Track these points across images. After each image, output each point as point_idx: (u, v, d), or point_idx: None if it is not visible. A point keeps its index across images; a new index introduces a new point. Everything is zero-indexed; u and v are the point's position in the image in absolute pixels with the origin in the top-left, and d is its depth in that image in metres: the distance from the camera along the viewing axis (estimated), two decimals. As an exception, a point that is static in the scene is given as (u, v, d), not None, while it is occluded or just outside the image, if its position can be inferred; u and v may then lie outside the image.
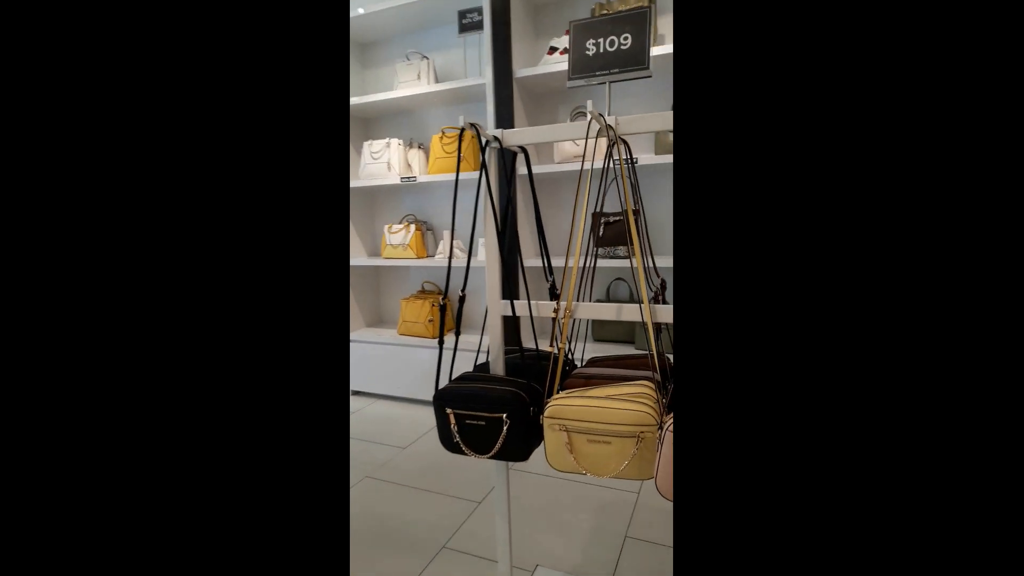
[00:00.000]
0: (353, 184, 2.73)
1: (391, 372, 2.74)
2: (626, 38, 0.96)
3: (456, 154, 2.48)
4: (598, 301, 2.49)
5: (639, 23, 0.94)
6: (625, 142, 1.05)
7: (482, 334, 1.11)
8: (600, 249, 2.23)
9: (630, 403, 0.91)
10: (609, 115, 0.95)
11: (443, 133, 2.53)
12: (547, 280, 1.16)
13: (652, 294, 1.14)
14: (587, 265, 1.10)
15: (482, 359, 1.21)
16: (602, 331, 2.51)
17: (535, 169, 2.26)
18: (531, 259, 2.41)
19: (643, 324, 0.96)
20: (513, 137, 1.05)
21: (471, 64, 2.70)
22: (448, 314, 2.78)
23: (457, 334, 1.05)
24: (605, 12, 0.96)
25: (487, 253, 1.10)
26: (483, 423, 0.97)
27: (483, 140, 1.01)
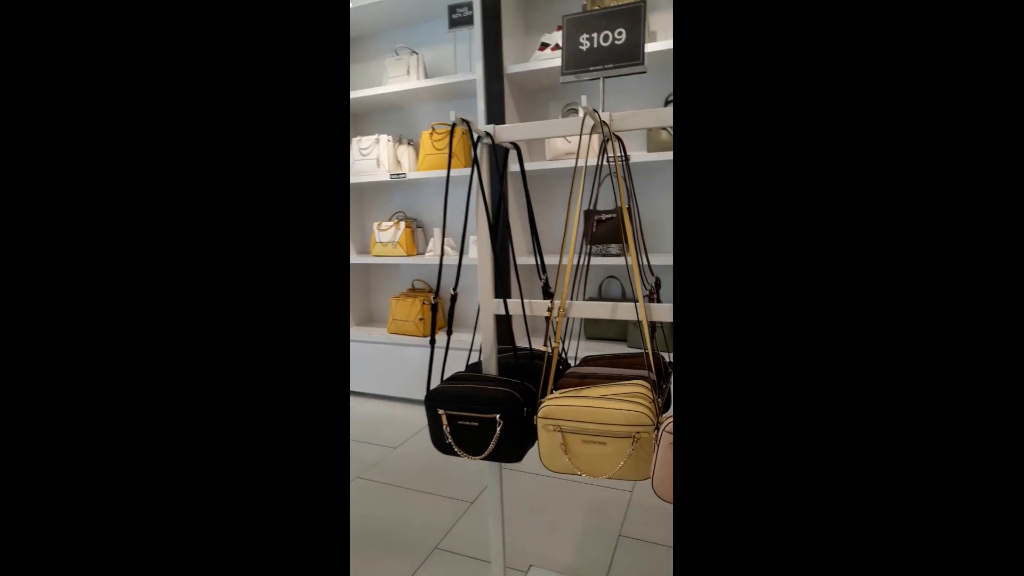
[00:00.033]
0: (342, 181, 2.70)
1: (381, 371, 2.72)
2: (620, 33, 0.94)
3: (446, 150, 2.46)
4: (590, 299, 2.48)
5: (634, 18, 0.92)
6: (619, 139, 1.04)
7: (474, 332, 1.09)
8: (592, 247, 2.22)
9: (625, 403, 0.90)
10: (603, 111, 0.94)
11: (433, 129, 2.50)
12: (540, 278, 1.15)
13: (647, 292, 1.13)
14: (580, 263, 1.09)
15: (474, 358, 1.19)
16: (594, 329, 2.50)
17: (526, 167, 2.24)
18: (522, 256, 2.39)
19: (638, 323, 0.95)
20: (505, 133, 1.03)
21: (461, 59, 2.67)
22: (439, 313, 2.76)
23: (449, 333, 1.03)
24: (596, 7, 0.94)
25: (479, 251, 1.08)
26: (476, 424, 0.95)
27: (475, 136, 0.99)
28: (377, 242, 2.71)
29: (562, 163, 2.22)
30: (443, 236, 1.05)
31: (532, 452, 1.03)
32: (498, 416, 0.93)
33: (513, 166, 2.19)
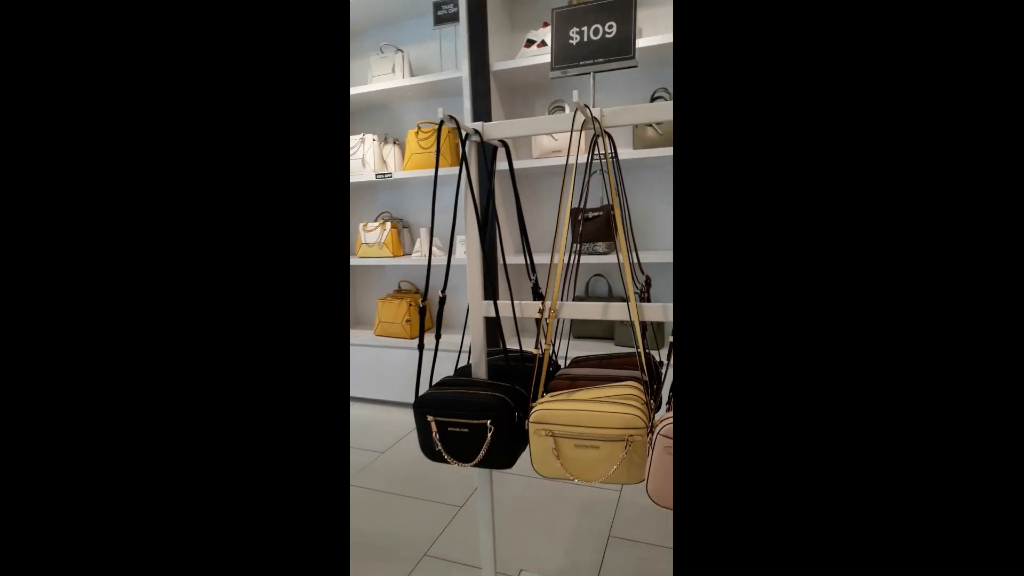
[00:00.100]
0: (326, 180, 2.65)
1: (368, 374, 2.68)
2: (611, 26, 0.92)
3: (432, 149, 2.43)
4: (577, 298, 2.47)
5: (624, 10, 0.90)
6: (609, 135, 1.02)
7: (463, 334, 1.06)
8: (578, 245, 2.20)
9: (618, 406, 0.88)
10: (594, 107, 0.92)
11: (419, 128, 2.46)
12: (530, 279, 1.12)
13: (637, 291, 1.11)
14: (570, 262, 1.07)
15: (463, 359, 1.16)
16: (582, 328, 2.49)
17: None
18: (510, 256, 2.37)
19: (630, 323, 0.93)
20: (494, 130, 1.01)
21: (447, 57, 2.64)
22: (427, 315, 2.73)
23: (437, 337, 1.01)
24: (584, 1, 0.92)
25: (468, 251, 1.06)
26: (466, 430, 0.92)
27: (463, 133, 0.97)
28: (363, 243, 2.67)
29: (549, 161, 2.20)
30: (431, 237, 1.02)
31: (521, 455, 1.00)
32: (489, 422, 0.90)
33: (500, 164, 2.17)
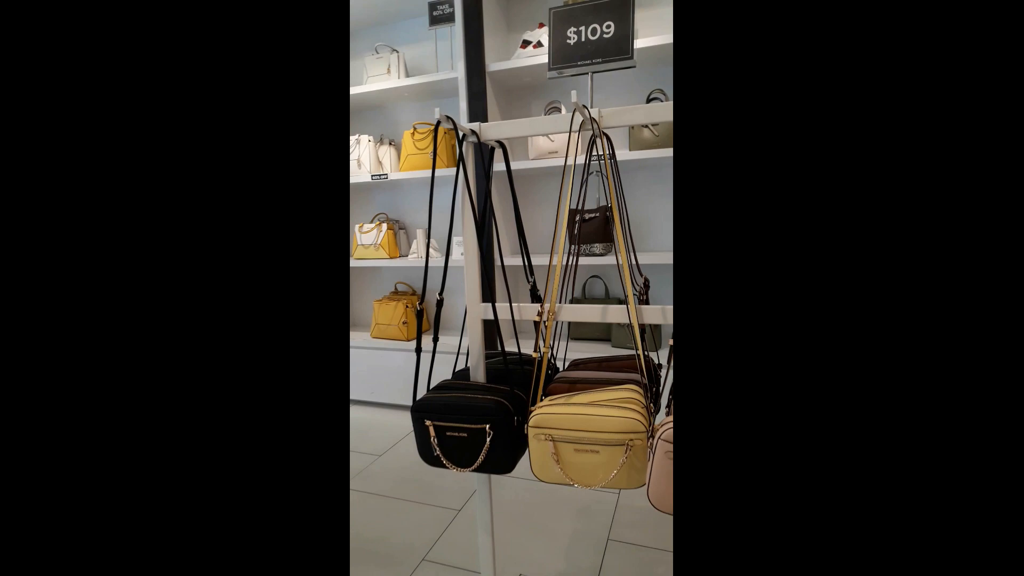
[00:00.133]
0: (321, 182, 2.63)
1: (365, 377, 2.66)
2: (609, 26, 0.91)
3: (428, 150, 2.41)
4: (575, 299, 2.46)
5: (622, 10, 0.89)
6: (607, 136, 1.01)
7: (461, 336, 1.05)
8: (574, 247, 2.19)
9: (618, 409, 0.87)
10: (592, 107, 0.91)
11: (415, 129, 2.45)
12: (528, 280, 1.11)
13: (636, 293, 1.10)
14: (569, 264, 1.06)
15: (461, 361, 1.15)
16: (579, 329, 2.48)
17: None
18: (507, 257, 2.35)
19: (628, 325, 0.92)
20: (491, 131, 1.00)
21: (442, 58, 2.63)
22: (425, 317, 2.72)
23: (435, 340, 0.99)
24: (581, 1, 0.91)
25: (466, 252, 1.05)
26: (465, 435, 0.91)
27: (460, 134, 0.96)
28: (359, 244, 2.65)
29: (545, 162, 2.19)
30: (428, 238, 1.01)
31: (520, 459, 0.99)
32: (488, 426, 0.89)
33: (497, 165, 2.16)
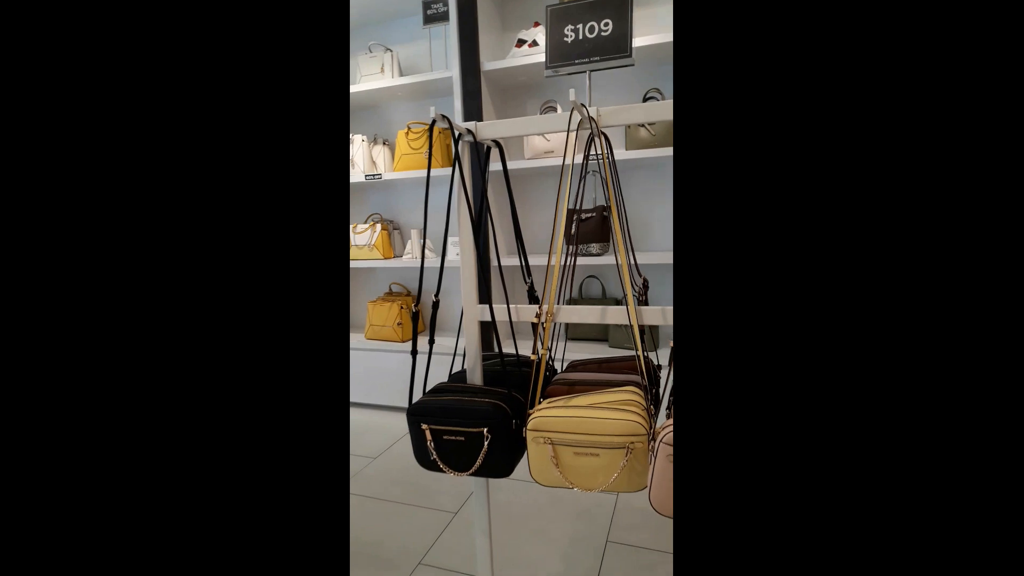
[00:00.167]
0: (314, 182, 2.61)
1: (359, 378, 2.64)
2: (606, 24, 0.90)
3: (422, 150, 2.40)
4: (572, 300, 2.45)
5: (621, 8, 0.88)
6: (605, 135, 1.00)
7: (457, 337, 1.04)
8: (571, 247, 2.18)
9: (618, 412, 0.85)
10: (590, 106, 0.89)
11: (409, 128, 2.43)
12: (525, 281, 1.10)
13: (635, 293, 1.09)
14: (567, 264, 1.05)
15: (458, 363, 1.14)
16: (576, 329, 2.47)
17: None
18: (503, 258, 2.34)
19: (628, 327, 0.91)
20: (487, 130, 0.98)
21: (437, 57, 2.61)
22: (420, 319, 2.70)
23: (431, 342, 0.98)
24: (580, -1, 0.90)
25: (462, 253, 1.03)
26: (462, 438, 0.90)
27: (456, 132, 0.94)
28: (353, 245, 2.63)
29: (541, 162, 2.18)
30: (423, 238, 0.99)
31: (519, 463, 0.98)
32: (486, 430, 0.88)
33: (493, 165, 2.14)
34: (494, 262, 2.23)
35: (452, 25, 2.15)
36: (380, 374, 2.58)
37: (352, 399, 2.68)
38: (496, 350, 1.06)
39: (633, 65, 0.90)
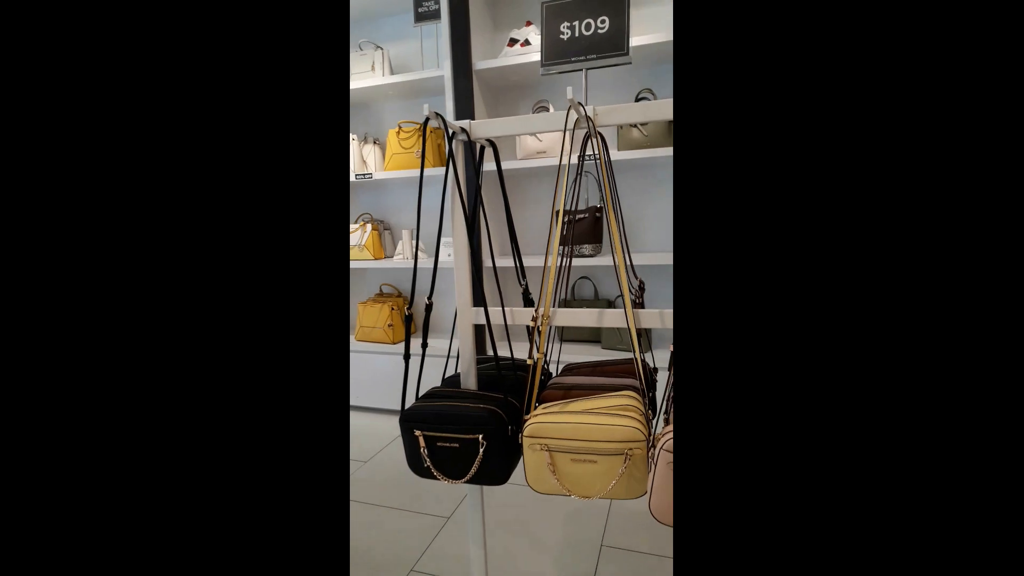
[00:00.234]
0: (303, 182, 2.57)
1: (350, 381, 2.60)
2: (603, 21, 0.88)
3: (413, 149, 2.37)
4: (565, 301, 2.43)
5: (617, 5, 0.86)
6: (601, 135, 0.98)
7: (451, 340, 1.01)
8: (565, 248, 2.16)
9: (616, 417, 0.84)
10: (587, 105, 0.88)
11: (400, 128, 2.40)
12: (520, 283, 1.08)
13: (631, 295, 1.07)
14: (561, 266, 1.03)
15: (451, 367, 1.12)
16: (568, 330, 2.45)
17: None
18: (496, 259, 2.32)
19: (626, 329, 0.90)
20: (481, 129, 0.96)
21: (428, 55, 2.58)
22: (413, 321, 2.66)
23: (424, 346, 0.95)
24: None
25: (456, 254, 1.01)
26: (457, 445, 0.87)
27: (449, 131, 0.92)
28: (342, 245, 2.59)
29: (534, 162, 2.16)
30: (416, 239, 0.97)
31: (515, 470, 0.96)
32: (481, 437, 0.86)
33: (487, 164, 2.12)
34: (487, 263, 2.21)
35: (443, 24, 2.13)
36: (370, 376, 2.54)
37: (342, 402, 2.64)
38: (490, 353, 1.04)
39: (630, 64, 0.88)
